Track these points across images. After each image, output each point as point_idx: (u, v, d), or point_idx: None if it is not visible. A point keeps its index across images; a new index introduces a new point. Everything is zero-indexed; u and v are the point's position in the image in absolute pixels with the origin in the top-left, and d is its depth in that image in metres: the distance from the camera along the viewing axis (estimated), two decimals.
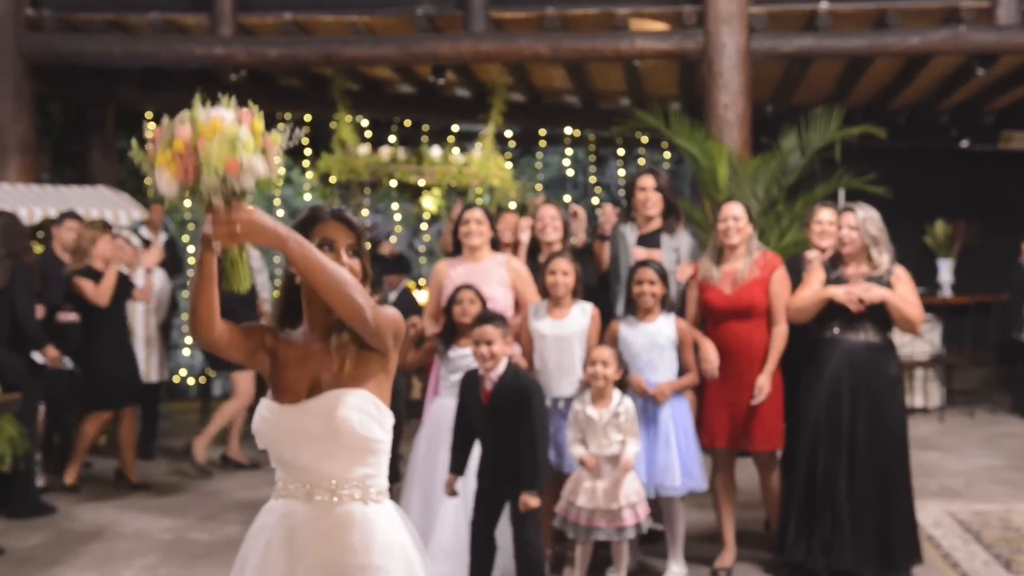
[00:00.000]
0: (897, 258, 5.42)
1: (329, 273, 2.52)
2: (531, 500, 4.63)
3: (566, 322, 5.43)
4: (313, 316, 2.77)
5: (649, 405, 5.41)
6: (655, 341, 5.45)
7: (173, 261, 10.50)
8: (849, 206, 5.43)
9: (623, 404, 5.07)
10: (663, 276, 5.46)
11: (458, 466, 4.85)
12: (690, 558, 5.60)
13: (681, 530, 5.53)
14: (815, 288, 5.40)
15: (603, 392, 5.06)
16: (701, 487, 5.50)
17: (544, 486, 4.87)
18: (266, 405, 2.76)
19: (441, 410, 5.36)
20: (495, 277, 5.67)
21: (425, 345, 5.77)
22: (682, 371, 5.54)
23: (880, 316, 5.30)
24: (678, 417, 5.46)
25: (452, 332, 5.40)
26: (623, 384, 5.19)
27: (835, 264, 5.50)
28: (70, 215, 8.24)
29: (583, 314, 5.46)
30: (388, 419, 2.76)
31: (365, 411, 2.69)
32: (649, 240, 6.04)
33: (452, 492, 4.85)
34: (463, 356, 5.29)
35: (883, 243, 5.34)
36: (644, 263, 5.53)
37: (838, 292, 5.28)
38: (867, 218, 5.32)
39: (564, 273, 5.39)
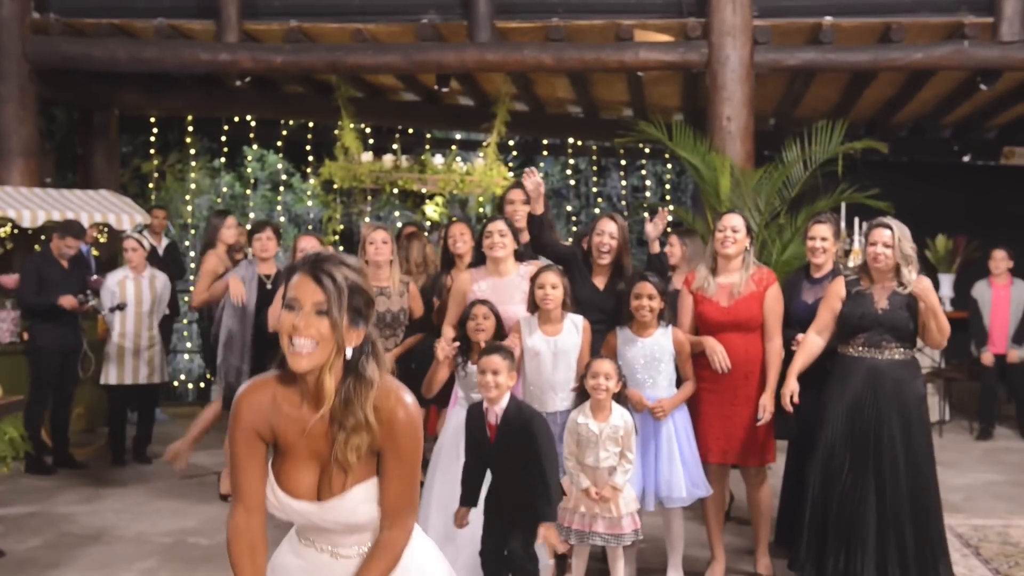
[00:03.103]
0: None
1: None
2: (549, 533, 4.56)
3: (560, 338, 5.38)
4: (307, 387, 2.54)
5: (650, 419, 5.41)
6: (653, 355, 5.44)
7: (175, 265, 10.54)
8: (883, 222, 5.28)
9: (623, 418, 5.05)
10: (662, 291, 5.46)
11: (470, 499, 4.77)
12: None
13: (680, 539, 5.54)
14: (794, 369, 5.35)
15: (603, 405, 5.04)
16: (706, 492, 5.49)
17: (556, 519, 4.85)
18: (276, 494, 2.59)
19: (459, 420, 5.33)
20: (519, 295, 5.56)
21: (448, 364, 5.50)
22: (680, 382, 5.54)
23: (905, 333, 5.21)
24: (680, 428, 5.46)
25: (467, 347, 5.35)
26: (621, 397, 5.17)
27: (858, 276, 5.37)
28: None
29: (575, 328, 5.42)
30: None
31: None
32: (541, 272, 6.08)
33: (463, 524, 4.78)
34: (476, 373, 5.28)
35: (914, 261, 5.24)
36: (643, 277, 5.53)
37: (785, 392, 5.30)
38: (901, 236, 5.20)
39: (553, 287, 5.31)
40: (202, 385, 11.87)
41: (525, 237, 6.11)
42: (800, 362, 5.37)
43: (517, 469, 4.63)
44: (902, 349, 5.23)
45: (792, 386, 5.31)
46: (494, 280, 5.65)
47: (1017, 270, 10.27)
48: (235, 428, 2.56)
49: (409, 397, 2.56)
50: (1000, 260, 10.00)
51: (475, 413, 4.80)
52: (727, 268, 5.60)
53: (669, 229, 6.76)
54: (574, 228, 14.98)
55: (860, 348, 5.25)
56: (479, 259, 5.90)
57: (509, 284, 5.63)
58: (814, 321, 5.44)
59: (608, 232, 5.79)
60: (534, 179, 5.90)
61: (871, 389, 5.18)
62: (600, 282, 5.87)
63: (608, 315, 5.64)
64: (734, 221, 5.60)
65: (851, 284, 5.34)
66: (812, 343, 5.40)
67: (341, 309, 2.44)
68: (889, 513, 5.12)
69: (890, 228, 5.23)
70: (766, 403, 5.44)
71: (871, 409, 5.17)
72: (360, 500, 2.54)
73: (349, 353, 2.50)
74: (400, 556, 2.58)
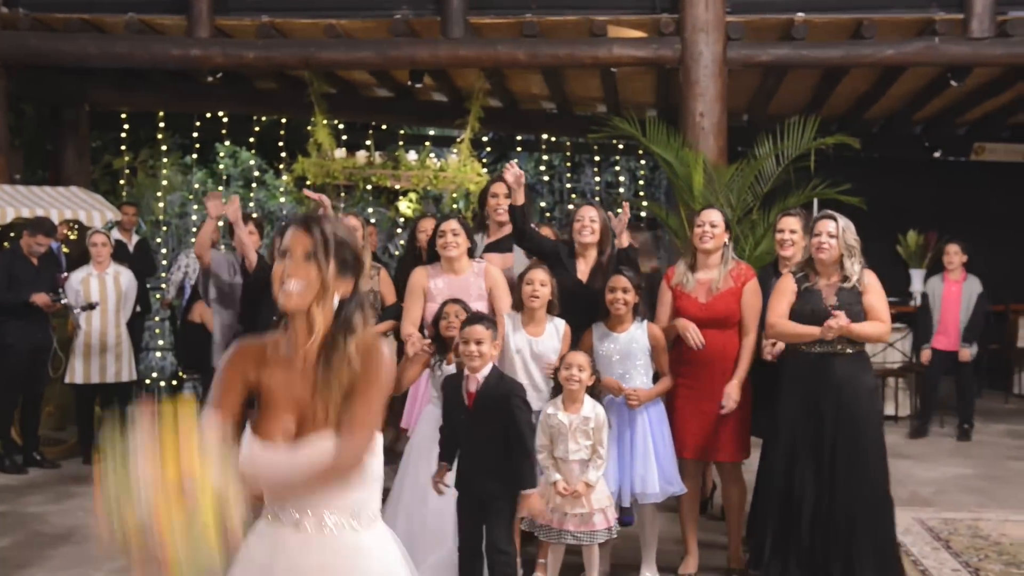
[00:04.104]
0: (868, 266, 5.38)
1: (306, 485, 2.55)
2: (532, 500, 4.57)
3: (541, 339, 5.38)
4: (295, 333, 2.68)
5: (626, 412, 5.40)
6: (629, 351, 5.44)
7: (146, 262, 10.47)
8: (828, 213, 5.35)
9: (594, 410, 5.06)
10: (637, 285, 5.45)
11: (447, 457, 4.78)
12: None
13: (654, 536, 5.54)
14: (805, 328, 5.20)
15: (575, 397, 5.05)
16: (680, 490, 5.50)
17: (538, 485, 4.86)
18: (252, 444, 2.64)
19: (430, 418, 5.31)
20: (475, 291, 5.58)
21: (420, 361, 5.45)
22: (657, 377, 5.55)
23: None
24: (655, 423, 5.45)
25: (440, 346, 5.31)
26: (596, 392, 5.17)
27: (805, 272, 5.39)
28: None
29: (556, 332, 5.41)
30: (377, 443, 2.68)
31: None
32: (500, 245, 6.11)
33: (441, 483, 4.76)
34: (450, 373, 5.26)
35: (857, 254, 5.28)
36: (618, 271, 5.53)
37: (817, 332, 5.13)
38: (846, 227, 5.25)
39: (542, 284, 5.32)
40: (175, 383, 11.78)
41: (508, 229, 6.12)
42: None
43: (491, 440, 4.63)
44: (852, 344, 5.25)
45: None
46: (449, 278, 5.65)
47: (985, 264, 10.32)
48: (224, 367, 2.71)
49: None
50: (954, 254, 9.86)
51: (453, 381, 4.80)
52: (706, 263, 5.62)
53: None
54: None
55: (811, 344, 5.25)
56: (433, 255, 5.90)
57: (464, 282, 5.63)
58: (772, 310, 5.39)
59: (588, 216, 5.84)
60: (514, 171, 5.91)
61: (824, 385, 5.21)
62: (584, 274, 5.86)
63: (592, 307, 5.60)
64: (713, 216, 5.61)
65: (800, 281, 5.36)
66: (784, 324, 5.32)
67: (328, 255, 2.63)
68: (846, 507, 5.14)
69: (834, 219, 5.28)
70: (731, 392, 5.44)
71: (826, 404, 5.19)
72: (331, 445, 2.58)
73: (337, 302, 2.67)
74: (342, 473, 2.56)
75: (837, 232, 5.24)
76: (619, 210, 6.13)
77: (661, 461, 5.41)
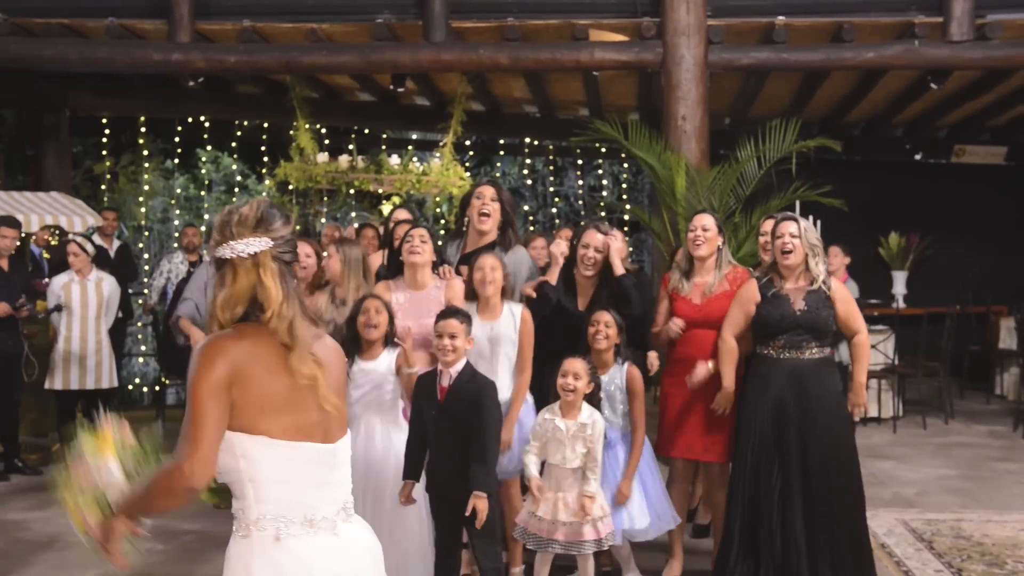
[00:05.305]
0: (851, 269, 5.39)
1: (147, 504, 2.76)
2: (480, 503, 4.50)
3: (497, 323, 5.29)
4: None
5: (613, 451, 5.33)
6: (609, 392, 5.39)
7: (127, 267, 10.43)
8: (788, 215, 5.36)
9: (592, 417, 5.00)
10: (621, 326, 5.37)
11: (413, 472, 4.72)
12: (639, 567, 5.60)
13: (627, 548, 5.53)
14: (728, 374, 5.32)
15: (573, 405, 4.98)
16: (672, 526, 5.48)
17: (494, 491, 4.82)
18: None
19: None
20: (436, 307, 5.31)
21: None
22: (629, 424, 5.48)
23: (824, 332, 5.23)
24: (643, 462, 5.40)
25: (356, 345, 5.10)
26: (596, 400, 5.13)
27: (769, 277, 5.35)
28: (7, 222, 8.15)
29: (512, 315, 5.32)
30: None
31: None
32: (475, 257, 5.70)
33: (409, 500, 4.72)
34: (365, 371, 5.07)
35: (820, 253, 5.29)
36: (604, 307, 5.46)
37: (728, 388, 5.28)
38: (807, 228, 5.26)
39: (492, 269, 5.24)
40: (157, 389, 11.73)
41: (492, 236, 5.90)
42: (729, 369, 5.36)
43: (459, 438, 4.60)
44: (820, 348, 5.25)
45: (728, 394, 5.37)
46: (412, 293, 5.47)
47: (965, 266, 10.36)
48: None
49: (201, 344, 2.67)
50: (833, 256, 9.79)
51: (427, 378, 4.78)
52: (701, 268, 5.63)
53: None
54: (531, 228, 15.00)
55: (780, 349, 5.24)
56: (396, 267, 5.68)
57: (427, 298, 5.44)
58: (727, 323, 5.39)
59: (594, 246, 5.63)
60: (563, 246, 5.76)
61: (794, 389, 5.19)
62: (583, 301, 5.71)
63: (584, 336, 5.43)
64: (705, 221, 5.62)
65: (765, 287, 5.32)
66: (731, 348, 5.36)
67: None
68: (818, 512, 5.12)
69: (795, 220, 5.29)
70: (699, 369, 5.38)
71: (795, 409, 5.18)
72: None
73: None
74: (165, 490, 2.70)
75: (799, 233, 5.23)
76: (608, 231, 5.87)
77: (651, 499, 5.38)
